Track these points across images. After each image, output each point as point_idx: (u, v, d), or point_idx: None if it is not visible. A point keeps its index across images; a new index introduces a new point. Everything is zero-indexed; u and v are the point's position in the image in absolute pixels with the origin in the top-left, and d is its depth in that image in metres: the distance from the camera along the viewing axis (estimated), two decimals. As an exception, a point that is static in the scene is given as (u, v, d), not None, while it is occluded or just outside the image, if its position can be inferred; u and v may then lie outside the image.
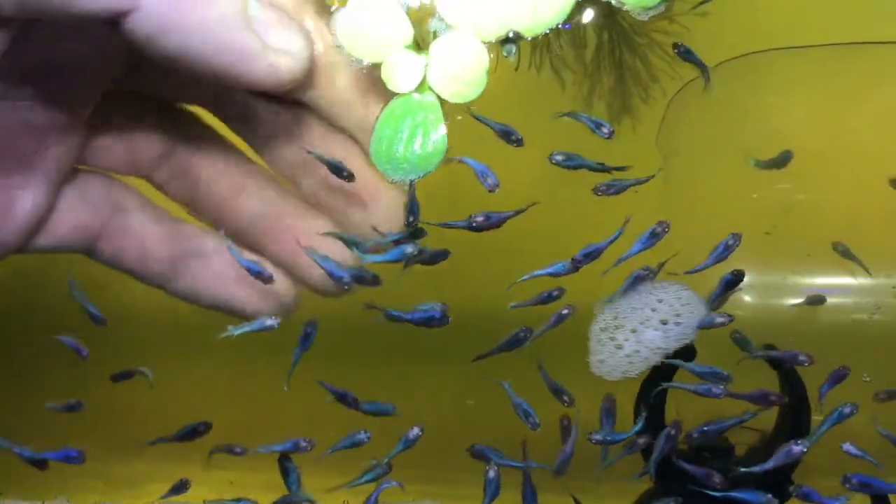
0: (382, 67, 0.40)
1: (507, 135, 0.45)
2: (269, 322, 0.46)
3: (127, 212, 0.45)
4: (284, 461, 0.53)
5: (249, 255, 0.45)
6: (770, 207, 0.70)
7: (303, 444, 0.52)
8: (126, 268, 0.45)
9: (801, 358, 0.54)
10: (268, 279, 0.45)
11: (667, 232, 0.50)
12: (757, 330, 0.58)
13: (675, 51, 0.56)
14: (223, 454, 0.57)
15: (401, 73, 0.39)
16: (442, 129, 0.40)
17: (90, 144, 0.44)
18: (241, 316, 0.46)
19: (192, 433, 0.53)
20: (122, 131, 0.45)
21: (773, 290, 0.71)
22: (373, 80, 0.41)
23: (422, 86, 0.40)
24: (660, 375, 0.58)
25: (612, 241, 0.48)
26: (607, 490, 0.62)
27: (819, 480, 0.56)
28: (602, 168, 0.47)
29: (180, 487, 0.59)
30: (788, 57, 0.68)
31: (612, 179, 0.50)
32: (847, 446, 0.52)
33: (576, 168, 0.47)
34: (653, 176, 0.50)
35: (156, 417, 0.61)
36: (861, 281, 0.68)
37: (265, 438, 0.54)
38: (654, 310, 0.50)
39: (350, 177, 0.42)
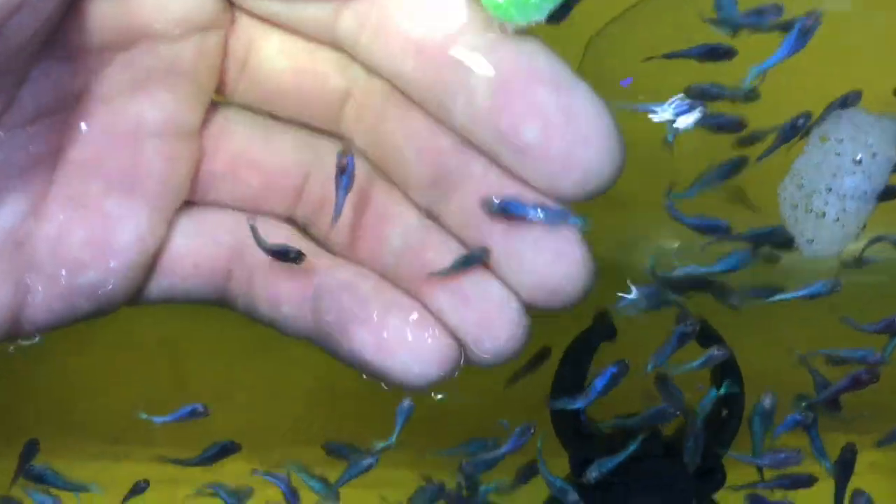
0: None
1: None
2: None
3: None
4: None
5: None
6: (689, 157, 0.69)
7: None
8: (260, 315, 0.36)
9: None
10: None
11: (820, 23, 0.40)
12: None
13: None
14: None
15: None
16: None
17: (209, 170, 0.36)
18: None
19: (223, 452, 0.42)
20: (247, 154, 0.36)
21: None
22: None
23: None
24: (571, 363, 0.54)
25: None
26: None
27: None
28: None
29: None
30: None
31: None
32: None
33: None
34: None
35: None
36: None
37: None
38: (838, 154, 0.42)
39: (299, 257, 0.34)
